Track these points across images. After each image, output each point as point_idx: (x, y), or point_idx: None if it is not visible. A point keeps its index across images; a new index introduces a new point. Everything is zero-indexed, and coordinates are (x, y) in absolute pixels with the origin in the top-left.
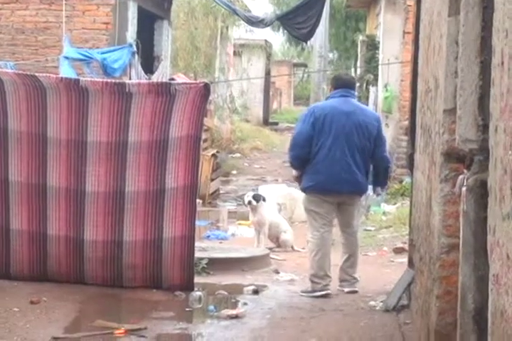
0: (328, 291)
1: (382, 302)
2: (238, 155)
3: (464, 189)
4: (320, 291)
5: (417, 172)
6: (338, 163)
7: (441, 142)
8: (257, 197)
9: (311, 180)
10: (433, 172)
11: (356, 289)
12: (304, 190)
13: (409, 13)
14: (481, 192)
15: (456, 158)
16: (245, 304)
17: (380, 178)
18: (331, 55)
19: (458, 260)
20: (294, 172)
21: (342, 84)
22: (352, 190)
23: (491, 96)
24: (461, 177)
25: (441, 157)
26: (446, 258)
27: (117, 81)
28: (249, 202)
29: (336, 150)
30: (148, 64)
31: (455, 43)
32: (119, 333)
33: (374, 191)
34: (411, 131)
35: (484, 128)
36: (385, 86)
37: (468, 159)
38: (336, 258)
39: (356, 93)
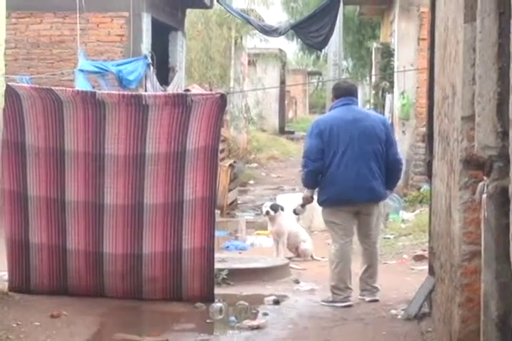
0: (350, 303)
1: (403, 310)
2: (255, 164)
3: (484, 196)
4: (341, 302)
5: (435, 179)
6: (351, 172)
7: (460, 149)
8: (275, 207)
9: (325, 193)
10: (452, 180)
11: (377, 298)
12: (320, 203)
13: (424, 19)
14: (501, 199)
15: (475, 164)
16: (266, 314)
17: (392, 181)
18: (345, 63)
19: (479, 267)
20: (306, 191)
21: (342, 93)
22: (368, 198)
23: (511, 102)
24: (481, 184)
25: (460, 164)
26: (468, 266)
27: (134, 93)
28: (267, 213)
29: (348, 160)
30: (163, 75)
31: (472, 50)
32: None
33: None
34: (428, 138)
35: (503, 134)
36: (402, 93)
37: (487, 166)
38: (357, 266)
39: (372, 100)
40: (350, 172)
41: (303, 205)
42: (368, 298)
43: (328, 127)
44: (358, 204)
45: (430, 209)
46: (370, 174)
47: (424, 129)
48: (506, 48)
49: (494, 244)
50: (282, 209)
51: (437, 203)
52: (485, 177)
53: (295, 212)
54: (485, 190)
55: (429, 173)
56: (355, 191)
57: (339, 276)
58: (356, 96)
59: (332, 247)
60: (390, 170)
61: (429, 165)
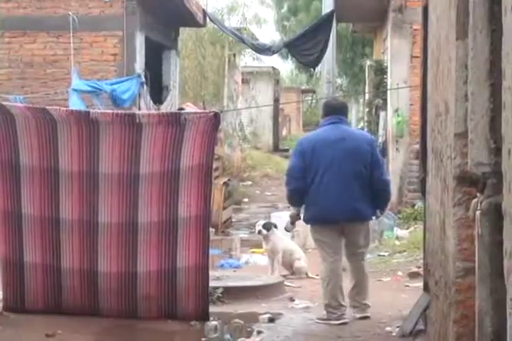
0: (345, 320)
1: (398, 327)
2: (249, 182)
3: (477, 212)
4: (336, 320)
5: (429, 196)
6: (331, 192)
7: (454, 166)
8: (268, 226)
9: (309, 211)
10: (446, 197)
11: (367, 314)
12: (305, 222)
13: (416, 37)
14: (495, 216)
15: (468, 181)
16: (261, 332)
17: (379, 201)
18: (339, 81)
19: (474, 284)
20: (292, 209)
21: (331, 111)
22: (350, 217)
23: (503, 119)
24: (474, 200)
25: (454, 181)
26: (462, 282)
27: (127, 112)
28: (260, 232)
29: (330, 180)
30: (157, 94)
31: (464, 67)
32: None
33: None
34: (422, 155)
35: (496, 151)
36: (396, 110)
37: (481, 182)
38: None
39: (366, 118)
40: (331, 192)
41: (292, 222)
42: (358, 315)
43: (310, 146)
44: (341, 224)
45: (424, 226)
46: (351, 194)
47: (417, 146)
48: (498, 65)
49: (488, 261)
50: (276, 227)
51: (431, 220)
52: (478, 194)
53: (285, 229)
54: (478, 207)
55: (423, 190)
56: (336, 211)
57: (331, 294)
58: (346, 115)
59: (322, 265)
60: (376, 191)
61: (422, 182)
